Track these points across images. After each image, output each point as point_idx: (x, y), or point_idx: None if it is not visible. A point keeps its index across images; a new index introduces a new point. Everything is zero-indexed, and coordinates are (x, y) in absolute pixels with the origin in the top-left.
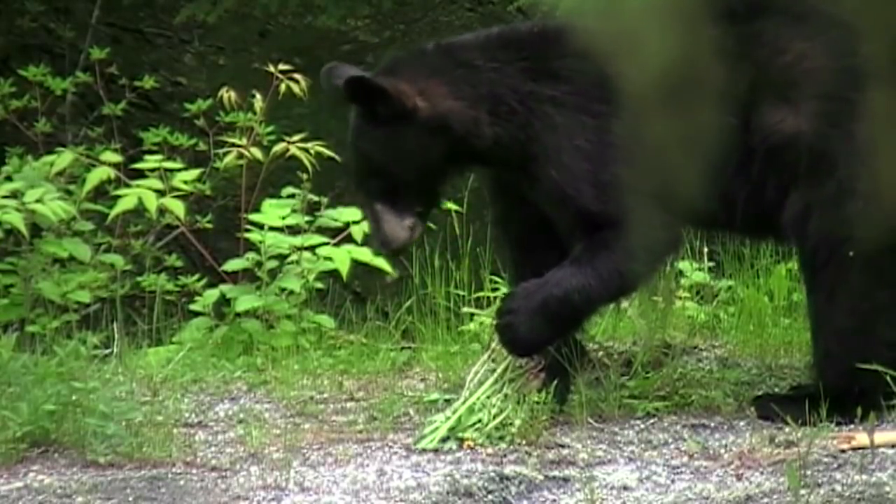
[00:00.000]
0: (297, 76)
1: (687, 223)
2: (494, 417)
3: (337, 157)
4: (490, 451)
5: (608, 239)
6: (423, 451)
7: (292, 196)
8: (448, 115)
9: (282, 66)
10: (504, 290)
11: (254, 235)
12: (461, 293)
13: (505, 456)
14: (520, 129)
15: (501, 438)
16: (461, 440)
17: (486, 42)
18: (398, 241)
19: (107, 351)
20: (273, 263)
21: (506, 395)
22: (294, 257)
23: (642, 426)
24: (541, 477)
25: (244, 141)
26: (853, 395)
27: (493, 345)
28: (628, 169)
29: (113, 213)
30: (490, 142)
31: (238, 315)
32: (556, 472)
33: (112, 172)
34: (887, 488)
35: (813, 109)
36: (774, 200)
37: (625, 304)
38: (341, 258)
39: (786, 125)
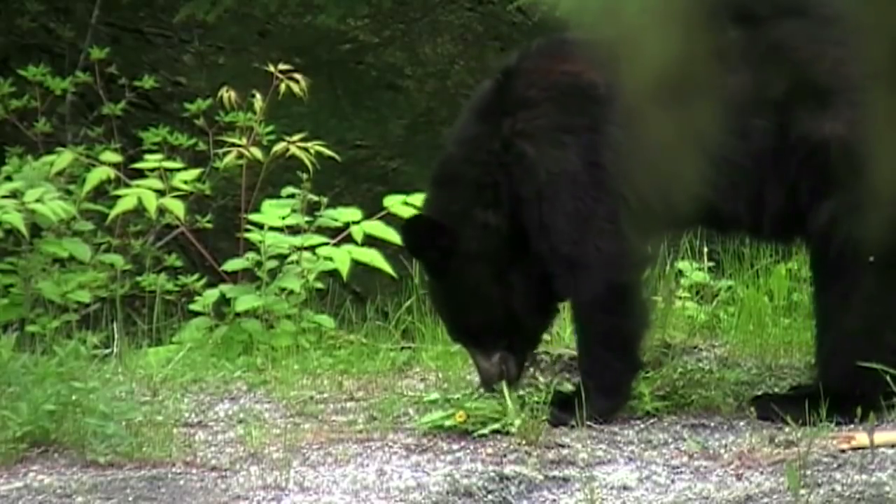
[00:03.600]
0: (296, 76)
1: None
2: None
3: (337, 157)
4: (490, 451)
5: (584, 295)
6: (423, 450)
7: (292, 196)
8: (469, 244)
9: (282, 66)
10: None
11: (254, 235)
12: None
13: (505, 456)
14: (510, 188)
15: (496, 421)
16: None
17: (461, 133)
18: (490, 384)
19: (107, 351)
20: (273, 263)
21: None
22: (294, 257)
23: (642, 426)
24: (541, 477)
25: (244, 141)
26: (854, 396)
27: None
28: (619, 180)
29: (113, 213)
30: (506, 227)
31: (238, 315)
32: (556, 472)
33: (112, 172)
34: (887, 488)
35: (850, 115)
36: (806, 203)
37: None
38: (341, 258)
39: (824, 130)
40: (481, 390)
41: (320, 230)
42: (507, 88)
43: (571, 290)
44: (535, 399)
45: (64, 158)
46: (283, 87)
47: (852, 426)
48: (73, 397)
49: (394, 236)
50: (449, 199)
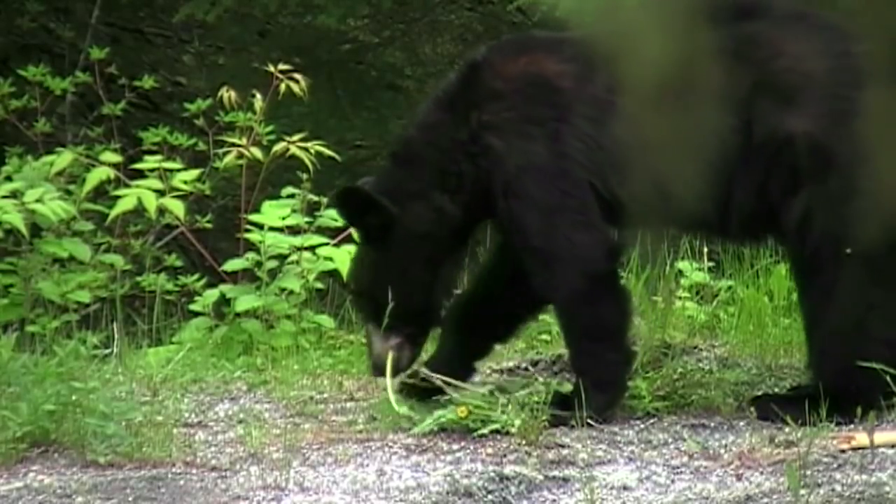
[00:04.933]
0: (296, 76)
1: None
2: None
3: (337, 157)
4: (490, 451)
5: (563, 291)
6: (423, 450)
7: (292, 196)
8: (417, 222)
9: (281, 66)
10: None
11: (254, 235)
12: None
13: (505, 456)
14: (476, 180)
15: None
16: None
17: (425, 118)
18: (380, 369)
19: (107, 351)
20: (273, 263)
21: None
22: (294, 257)
23: (642, 426)
24: (541, 477)
25: (244, 141)
26: (852, 394)
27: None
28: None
29: (113, 213)
30: (459, 216)
31: (238, 315)
32: (556, 472)
33: (112, 172)
34: (887, 488)
35: (816, 110)
36: (777, 201)
37: None
38: (341, 258)
39: (789, 126)
40: (372, 375)
41: (320, 230)
42: (474, 80)
43: (548, 286)
44: (535, 399)
45: (64, 158)
46: (283, 87)
47: (852, 426)
48: (73, 397)
49: None
50: (405, 178)
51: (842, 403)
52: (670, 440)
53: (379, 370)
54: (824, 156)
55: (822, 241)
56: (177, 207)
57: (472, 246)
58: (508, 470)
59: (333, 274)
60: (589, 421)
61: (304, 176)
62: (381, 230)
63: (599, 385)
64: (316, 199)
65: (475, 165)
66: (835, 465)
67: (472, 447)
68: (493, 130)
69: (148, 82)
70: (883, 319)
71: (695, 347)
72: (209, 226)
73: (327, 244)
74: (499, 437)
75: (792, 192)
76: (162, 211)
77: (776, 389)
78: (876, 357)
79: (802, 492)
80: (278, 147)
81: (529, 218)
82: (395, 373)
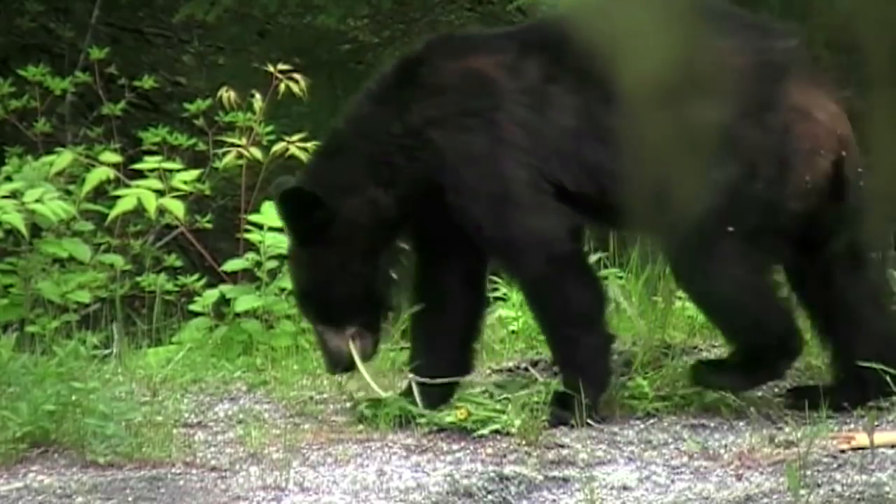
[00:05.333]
0: (296, 76)
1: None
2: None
3: None
4: (490, 451)
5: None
6: (423, 451)
7: None
8: (353, 216)
9: (281, 66)
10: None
11: (253, 235)
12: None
13: (505, 456)
14: (412, 173)
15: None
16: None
17: (357, 112)
18: (341, 363)
19: (106, 351)
20: (273, 263)
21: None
22: None
23: (642, 426)
24: (541, 477)
25: (244, 141)
26: (772, 348)
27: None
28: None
29: (112, 213)
30: (394, 208)
31: (238, 315)
32: (556, 472)
33: (112, 172)
34: (887, 488)
35: (728, 101)
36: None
37: (625, 304)
38: None
39: (702, 116)
40: (331, 373)
41: None
42: (411, 76)
43: (514, 275)
44: (535, 399)
45: (64, 158)
46: (282, 87)
47: (852, 425)
48: (73, 397)
49: None
50: (337, 171)
51: (768, 357)
52: (670, 440)
53: (338, 365)
54: (728, 141)
55: (710, 219)
56: (177, 207)
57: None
58: (508, 470)
59: None
60: (589, 421)
61: None
62: (320, 229)
63: (585, 373)
64: None
65: (411, 159)
66: (835, 465)
67: (472, 447)
68: (434, 125)
69: (148, 82)
70: (768, 273)
71: (695, 347)
72: (209, 226)
73: None
74: (499, 437)
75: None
76: (162, 211)
77: (779, 390)
78: (778, 311)
79: (802, 492)
80: (278, 147)
81: (480, 210)
82: (364, 359)
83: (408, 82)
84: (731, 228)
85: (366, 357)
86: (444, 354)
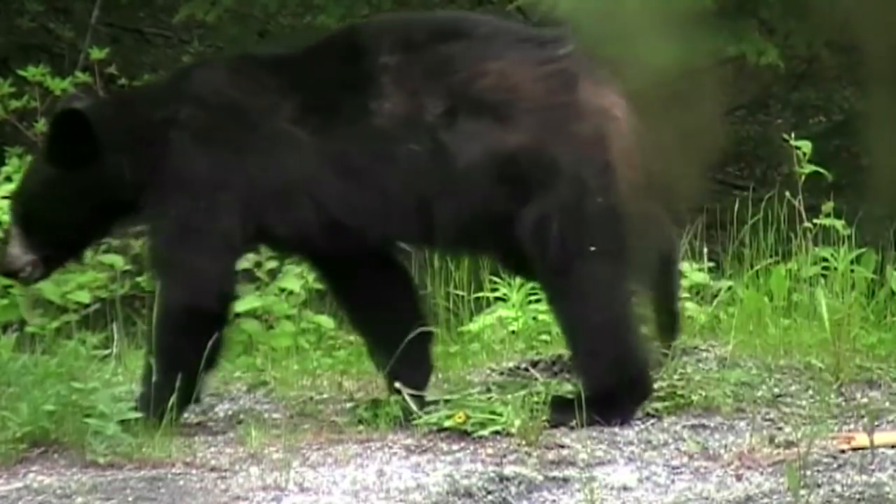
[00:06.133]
0: None
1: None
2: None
3: None
4: (490, 451)
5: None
6: (423, 451)
7: None
8: (102, 172)
9: None
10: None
11: None
12: (461, 293)
13: (505, 456)
14: (149, 166)
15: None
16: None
17: (149, 90)
18: (9, 269)
19: (106, 351)
20: (273, 263)
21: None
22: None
23: (642, 426)
24: (541, 477)
25: None
26: (623, 387)
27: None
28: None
29: None
30: (131, 188)
31: (238, 315)
32: (556, 472)
33: None
34: (887, 488)
35: (529, 122)
36: (507, 212)
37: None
38: None
39: (507, 142)
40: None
41: None
42: (186, 81)
43: (158, 294)
44: (535, 399)
45: None
46: None
47: (852, 427)
48: (73, 397)
49: None
50: (113, 126)
51: (612, 400)
52: (670, 440)
53: (6, 269)
54: (548, 165)
55: (563, 245)
56: None
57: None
58: (508, 470)
59: None
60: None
61: None
62: (73, 159)
63: (146, 408)
64: None
65: (153, 154)
66: (835, 466)
67: (472, 447)
68: (177, 129)
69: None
70: (634, 311)
71: (695, 347)
72: None
73: None
74: (499, 437)
75: (522, 203)
76: None
77: (776, 390)
78: (640, 348)
79: (802, 492)
80: None
81: (168, 226)
82: (10, 274)
83: (182, 85)
84: (592, 248)
85: (27, 280)
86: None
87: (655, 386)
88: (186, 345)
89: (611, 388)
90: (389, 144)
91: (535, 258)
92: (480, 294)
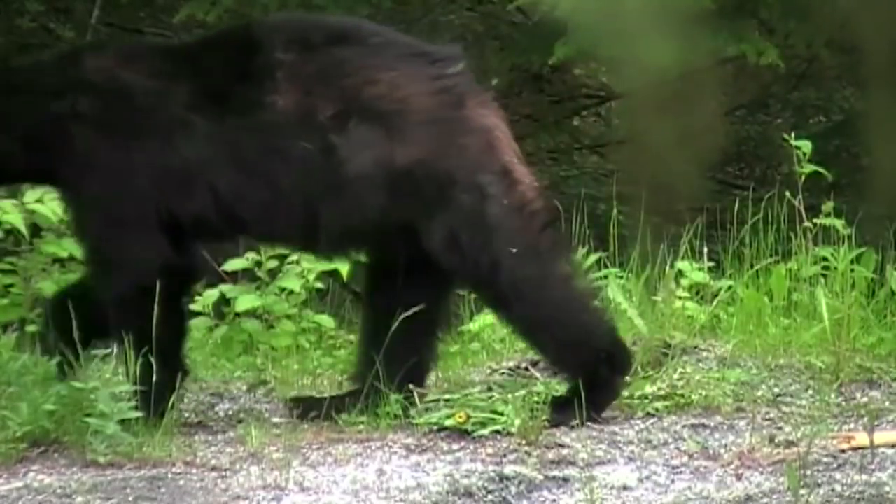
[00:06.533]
0: None
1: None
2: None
3: None
4: (490, 450)
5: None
6: (423, 450)
7: None
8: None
9: None
10: None
11: None
12: (461, 293)
13: (505, 456)
14: (39, 152)
15: (494, 422)
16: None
17: (36, 71)
18: None
19: (106, 351)
20: (273, 263)
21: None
22: (294, 257)
23: (642, 426)
24: (541, 477)
25: None
26: (602, 364)
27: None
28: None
29: None
30: (10, 170)
31: (238, 315)
32: (556, 472)
33: None
34: (887, 488)
35: (421, 135)
36: (411, 223)
37: (625, 304)
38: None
39: (400, 155)
40: None
41: None
42: (76, 67)
43: (100, 287)
44: (535, 399)
45: None
46: None
47: (852, 426)
48: (73, 397)
49: None
50: (6, 101)
51: (601, 380)
52: (670, 440)
53: None
54: (444, 177)
55: (479, 254)
56: None
57: None
58: (508, 470)
59: (333, 274)
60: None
61: None
62: None
63: (144, 399)
64: None
65: (45, 141)
66: (835, 465)
67: (472, 447)
68: (78, 121)
69: None
70: (587, 298)
71: (695, 347)
72: None
73: None
74: (499, 437)
75: (425, 217)
76: None
77: (775, 389)
78: (603, 329)
79: (802, 492)
80: None
81: (90, 217)
82: None
83: (72, 71)
84: (513, 249)
85: None
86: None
87: (655, 386)
88: (141, 324)
89: (590, 369)
90: (280, 140)
91: (455, 272)
92: None
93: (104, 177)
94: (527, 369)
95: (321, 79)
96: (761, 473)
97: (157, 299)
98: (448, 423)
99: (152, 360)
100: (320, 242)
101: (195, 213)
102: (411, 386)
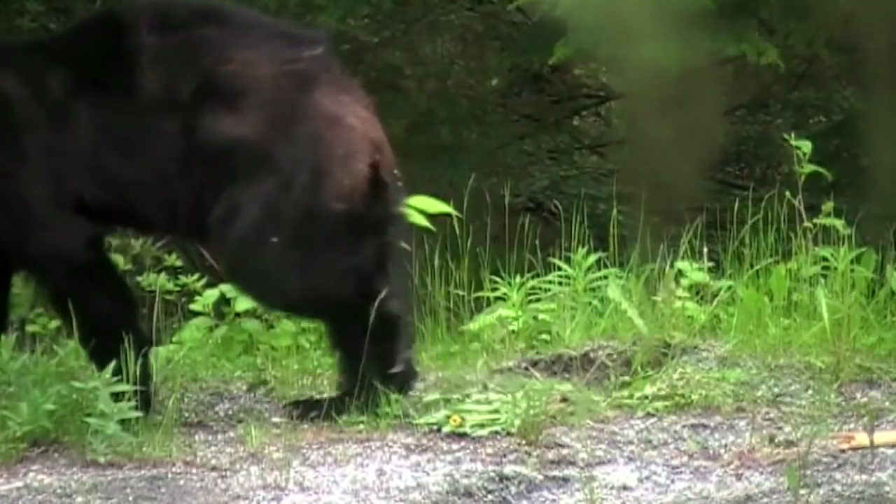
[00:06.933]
0: None
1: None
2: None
3: None
4: (490, 450)
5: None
6: (423, 450)
7: None
8: None
9: None
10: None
11: None
12: (461, 293)
13: (505, 456)
14: None
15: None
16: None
17: None
18: None
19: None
20: None
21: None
22: None
23: (642, 426)
24: (541, 477)
25: None
26: (347, 314)
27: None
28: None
29: None
30: None
31: (238, 315)
32: (556, 472)
33: None
34: (887, 488)
35: (257, 115)
36: (210, 204)
37: (625, 304)
38: None
39: (230, 131)
40: None
41: None
42: None
43: (42, 288)
44: (535, 399)
45: None
46: None
47: (852, 426)
48: (74, 397)
49: None
50: None
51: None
52: (670, 440)
53: None
54: (262, 158)
55: (246, 233)
56: None
57: None
58: (508, 470)
59: None
60: (589, 420)
61: None
62: None
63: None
64: None
65: None
66: (835, 465)
67: (472, 447)
68: None
69: None
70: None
71: (695, 347)
72: None
73: None
74: (499, 437)
75: (223, 191)
76: None
77: (775, 389)
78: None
79: (802, 492)
80: None
81: (2, 227)
82: None
83: None
84: (274, 239)
85: None
86: None
87: (655, 386)
88: (98, 300)
89: (348, 337)
90: (151, 122)
91: (215, 239)
92: (480, 294)
93: (3, 187)
94: (527, 369)
95: (182, 60)
96: (761, 473)
97: (96, 276)
98: (445, 429)
99: (107, 339)
100: (179, 226)
101: (95, 200)
102: None
